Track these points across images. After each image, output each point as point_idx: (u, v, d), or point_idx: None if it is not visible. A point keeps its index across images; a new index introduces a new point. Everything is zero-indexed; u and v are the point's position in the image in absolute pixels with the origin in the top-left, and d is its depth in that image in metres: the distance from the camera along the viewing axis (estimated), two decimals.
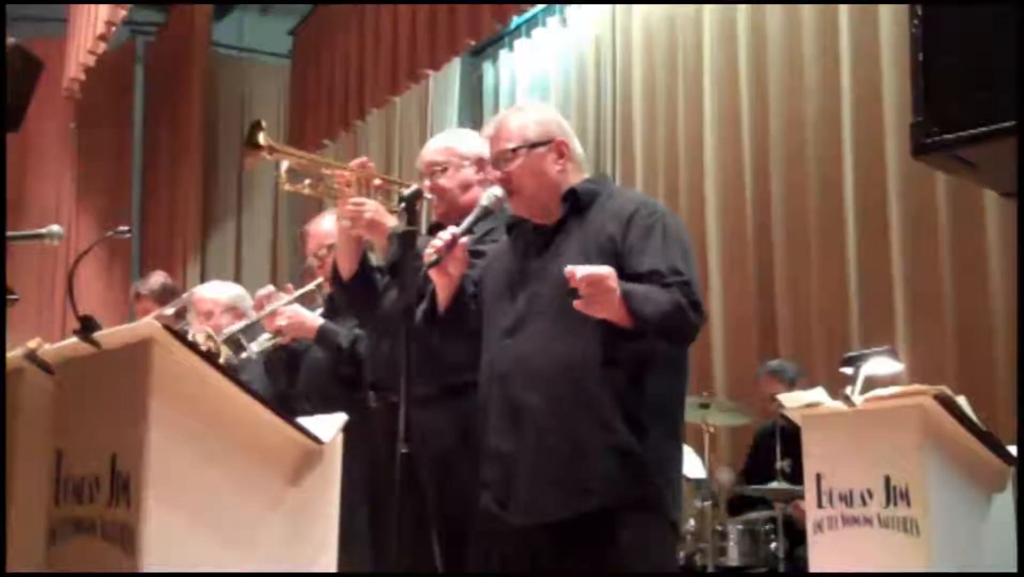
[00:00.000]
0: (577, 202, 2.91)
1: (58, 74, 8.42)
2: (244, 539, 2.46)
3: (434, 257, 2.83)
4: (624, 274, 2.67)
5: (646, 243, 2.77)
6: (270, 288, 4.26)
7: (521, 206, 2.97)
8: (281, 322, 4.06)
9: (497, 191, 2.95)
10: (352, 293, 3.44)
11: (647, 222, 2.81)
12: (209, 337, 4.11)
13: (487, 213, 2.97)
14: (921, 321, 5.49)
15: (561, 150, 2.95)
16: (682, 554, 5.13)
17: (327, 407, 2.77)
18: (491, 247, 3.12)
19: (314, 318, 4.04)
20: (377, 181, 3.39)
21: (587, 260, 2.70)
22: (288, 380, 4.16)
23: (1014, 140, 1.68)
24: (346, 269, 3.39)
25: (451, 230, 2.88)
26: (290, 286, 4.35)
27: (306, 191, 3.48)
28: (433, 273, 2.88)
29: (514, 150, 2.92)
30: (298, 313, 4.04)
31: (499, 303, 2.92)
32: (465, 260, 2.91)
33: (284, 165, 3.38)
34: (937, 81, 1.84)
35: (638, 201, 2.95)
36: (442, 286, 2.92)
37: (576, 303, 2.58)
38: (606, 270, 2.59)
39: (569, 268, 2.59)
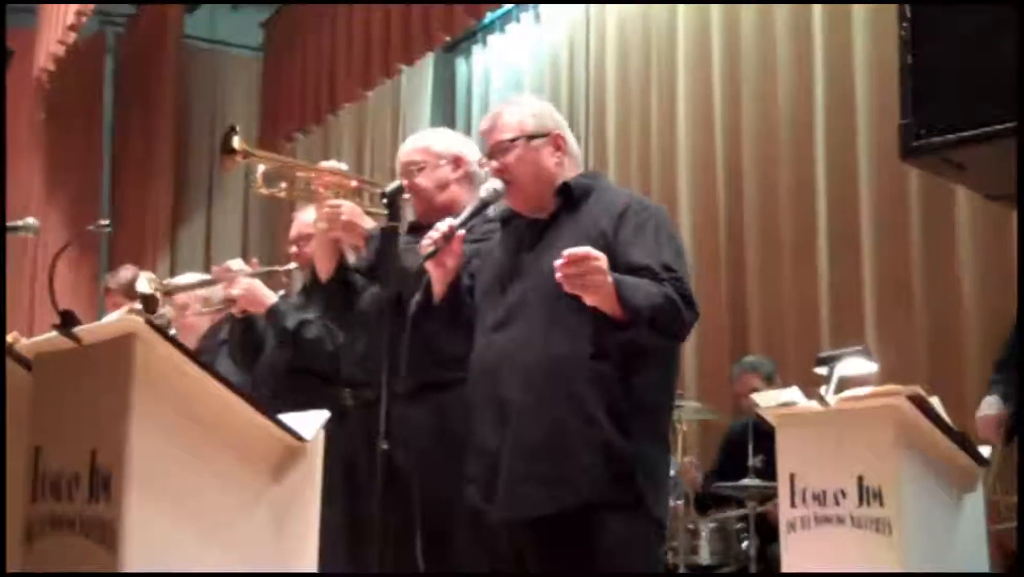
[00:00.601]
0: (570, 196, 2.91)
1: (28, 64, 8.36)
2: (225, 536, 2.45)
3: (431, 248, 2.82)
4: (614, 268, 2.66)
5: (638, 238, 2.77)
6: (239, 260, 4.27)
7: (517, 199, 2.97)
8: (235, 291, 4.06)
9: (495, 184, 2.94)
10: (330, 294, 3.43)
11: (640, 218, 2.81)
12: (152, 281, 4.15)
13: (485, 205, 2.96)
14: (892, 321, 5.53)
15: (558, 143, 2.96)
16: None
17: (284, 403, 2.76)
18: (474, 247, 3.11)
19: (269, 295, 4.05)
20: (353, 183, 3.39)
21: None
22: (243, 358, 4.14)
23: (1003, 142, 1.70)
24: (324, 270, 3.39)
25: (448, 222, 2.88)
26: (255, 261, 4.35)
27: (282, 194, 3.48)
28: (429, 265, 2.87)
29: (512, 140, 2.92)
30: (254, 286, 4.05)
31: (490, 297, 2.92)
32: (461, 252, 2.90)
33: (260, 169, 3.38)
34: (926, 83, 1.85)
35: (631, 197, 2.96)
36: (438, 278, 2.91)
37: (564, 286, 2.56)
38: (595, 252, 2.57)
39: (566, 252, 2.57)
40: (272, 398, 3.48)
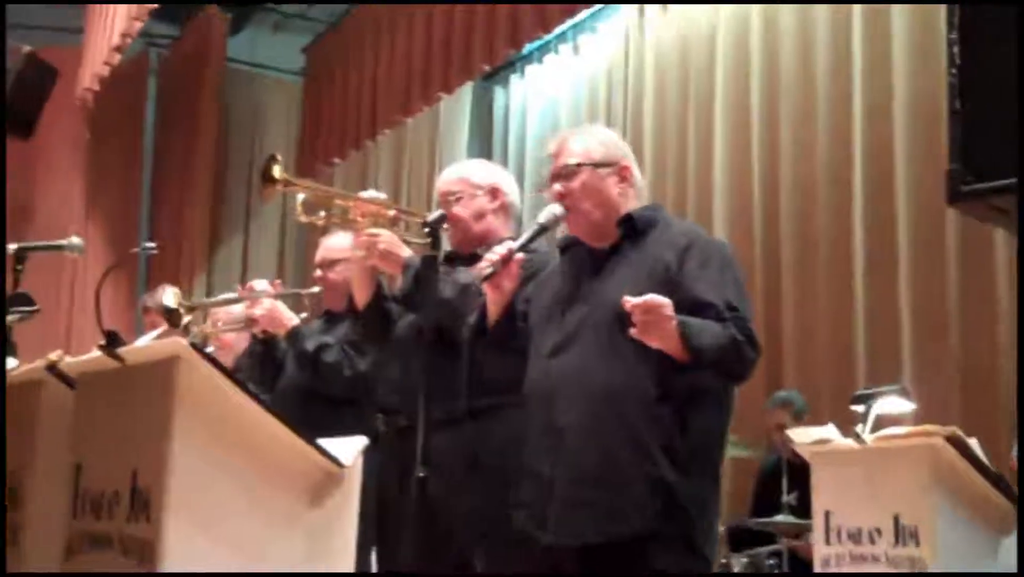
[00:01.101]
0: (633, 227, 2.90)
1: (72, 84, 8.46)
2: (262, 558, 2.47)
3: (489, 270, 2.82)
4: (677, 303, 2.65)
5: (703, 274, 2.76)
6: (263, 281, 4.33)
7: (577, 226, 2.96)
8: (257, 311, 4.10)
9: (555, 209, 2.93)
10: (367, 323, 3.45)
11: (705, 254, 2.80)
12: (176, 296, 4.21)
13: (544, 230, 2.96)
14: (927, 357, 5.50)
15: (623, 174, 2.95)
16: None
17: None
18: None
19: (290, 316, 4.11)
20: (391, 212, 3.41)
21: (640, 285, 2.67)
22: (261, 379, 4.17)
23: None
24: (361, 299, 3.41)
25: (507, 244, 2.88)
26: (279, 282, 4.40)
27: (320, 222, 3.51)
28: (486, 287, 2.88)
29: (578, 165, 2.92)
30: (276, 307, 4.11)
31: (547, 323, 2.91)
32: (518, 275, 2.90)
33: (300, 197, 3.40)
34: (973, 129, 1.86)
35: (695, 232, 2.95)
36: (493, 301, 2.92)
37: (632, 331, 2.56)
38: (662, 299, 2.57)
39: (626, 298, 2.58)
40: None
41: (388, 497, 3.30)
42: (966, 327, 5.38)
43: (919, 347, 5.55)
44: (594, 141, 2.98)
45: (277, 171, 3.30)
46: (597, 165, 2.92)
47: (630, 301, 2.56)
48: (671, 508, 2.67)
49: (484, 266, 2.85)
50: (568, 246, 3.04)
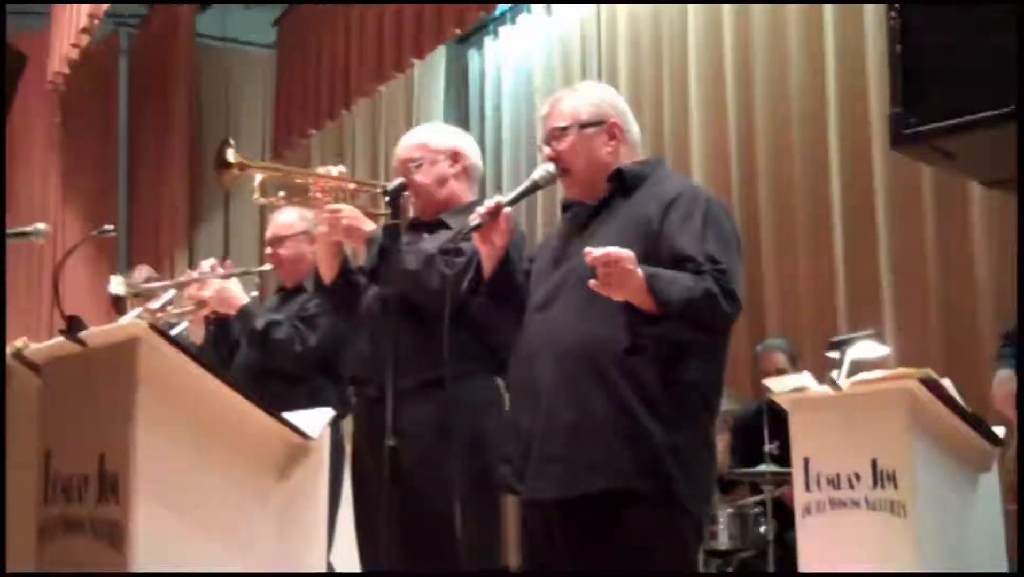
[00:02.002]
0: (623, 183, 2.88)
1: (41, 68, 8.38)
2: (233, 534, 2.47)
3: (476, 221, 2.81)
4: (659, 257, 2.63)
5: (684, 227, 2.72)
6: (213, 261, 4.30)
7: (570, 185, 2.95)
8: (206, 293, 4.11)
9: (549, 167, 2.91)
10: (335, 297, 3.43)
11: (689, 207, 2.76)
12: (123, 284, 4.25)
13: (536, 187, 2.93)
14: (907, 305, 5.51)
15: (613, 132, 2.92)
16: None
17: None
18: (470, 246, 3.08)
19: (240, 295, 4.10)
20: (351, 185, 3.37)
21: (623, 240, 2.64)
22: (217, 359, 4.17)
23: (992, 130, 1.68)
24: (327, 275, 3.39)
25: (496, 198, 2.87)
26: (229, 263, 4.38)
27: (281, 203, 3.48)
28: (478, 241, 2.86)
29: (563, 128, 2.90)
30: (226, 288, 4.11)
31: (540, 279, 2.90)
32: (509, 230, 2.87)
33: (257, 179, 3.36)
34: (915, 72, 1.84)
35: (684, 186, 2.91)
36: (486, 255, 2.89)
37: (592, 283, 2.55)
38: (624, 251, 2.54)
39: (587, 249, 2.56)
40: None
41: (362, 468, 3.30)
42: (944, 272, 5.39)
43: (899, 294, 5.56)
44: (583, 101, 2.95)
45: (231, 155, 3.25)
46: (584, 125, 2.90)
47: (591, 253, 2.54)
48: (651, 462, 2.63)
49: (473, 218, 2.83)
50: (569, 205, 3.03)
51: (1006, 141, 1.70)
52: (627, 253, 2.54)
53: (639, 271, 2.55)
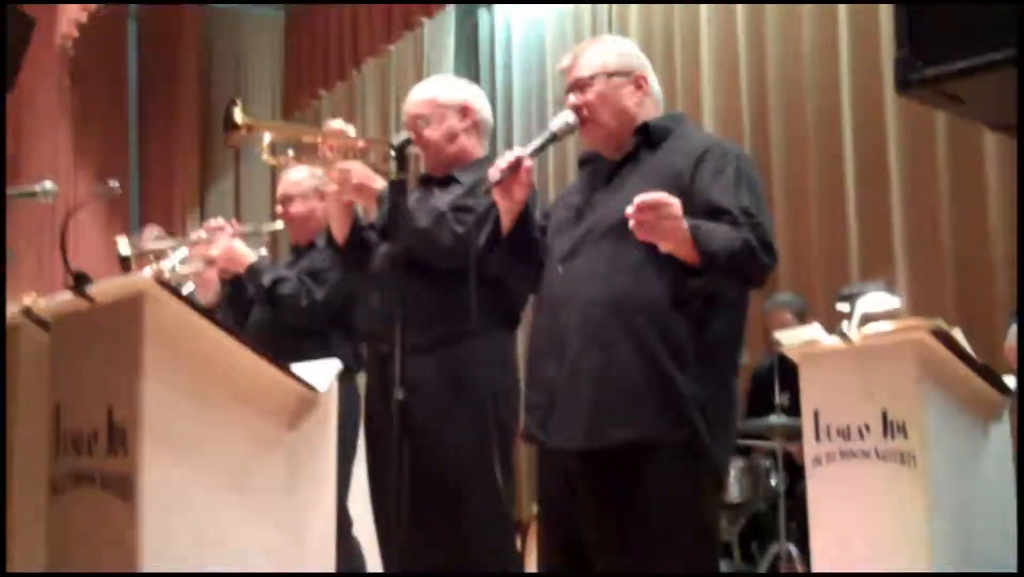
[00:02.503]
0: (649, 137, 2.83)
1: (51, 31, 8.37)
2: (242, 485, 2.49)
3: (497, 176, 2.78)
4: (691, 212, 2.57)
5: (717, 181, 2.67)
6: (221, 220, 4.32)
7: (593, 137, 2.89)
8: (214, 251, 4.14)
9: (568, 117, 2.85)
10: (347, 256, 3.42)
11: (720, 161, 2.71)
12: (129, 244, 4.29)
13: (555, 139, 2.87)
14: (920, 256, 5.48)
15: (639, 83, 2.87)
16: None
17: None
18: (484, 200, 3.05)
19: (248, 253, 4.12)
20: (360, 143, 3.35)
21: (651, 192, 2.57)
22: (233, 318, 4.19)
23: (1000, 73, 1.66)
24: (339, 233, 3.38)
25: (516, 151, 2.83)
26: (235, 221, 4.39)
27: (290, 163, 3.46)
28: (497, 195, 2.81)
29: (591, 77, 2.84)
30: (233, 247, 4.13)
31: (561, 232, 2.86)
32: (529, 184, 2.82)
33: (266, 139, 3.34)
34: (921, 14, 1.81)
35: (712, 141, 2.86)
36: (505, 209, 2.84)
37: (638, 232, 2.49)
38: (671, 198, 2.49)
39: (637, 199, 2.49)
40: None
41: (374, 423, 3.31)
42: (957, 222, 5.35)
43: (911, 245, 5.52)
44: (609, 51, 2.90)
45: (238, 115, 3.22)
46: (611, 75, 2.85)
47: (641, 201, 2.48)
48: (673, 411, 2.60)
49: (493, 172, 2.80)
50: (587, 160, 2.99)
51: (1013, 84, 1.67)
52: (672, 199, 2.49)
53: (684, 222, 2.51)
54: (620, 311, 2.64)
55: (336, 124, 3.32)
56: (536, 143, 2.86)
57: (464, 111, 3.41)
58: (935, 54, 1.81)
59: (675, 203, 2.49)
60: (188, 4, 9.40)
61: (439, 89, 3.48)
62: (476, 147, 3.43)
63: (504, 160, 2.77)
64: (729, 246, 2.54)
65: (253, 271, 4.04)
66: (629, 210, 2.48)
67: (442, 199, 3.28)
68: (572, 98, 2.86)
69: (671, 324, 2.62)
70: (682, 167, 2.71)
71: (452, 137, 3.39)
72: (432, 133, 3.37)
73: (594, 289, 2.68)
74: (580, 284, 2.71)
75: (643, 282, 2.64)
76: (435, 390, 3.06)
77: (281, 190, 4.26)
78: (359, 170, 3.24)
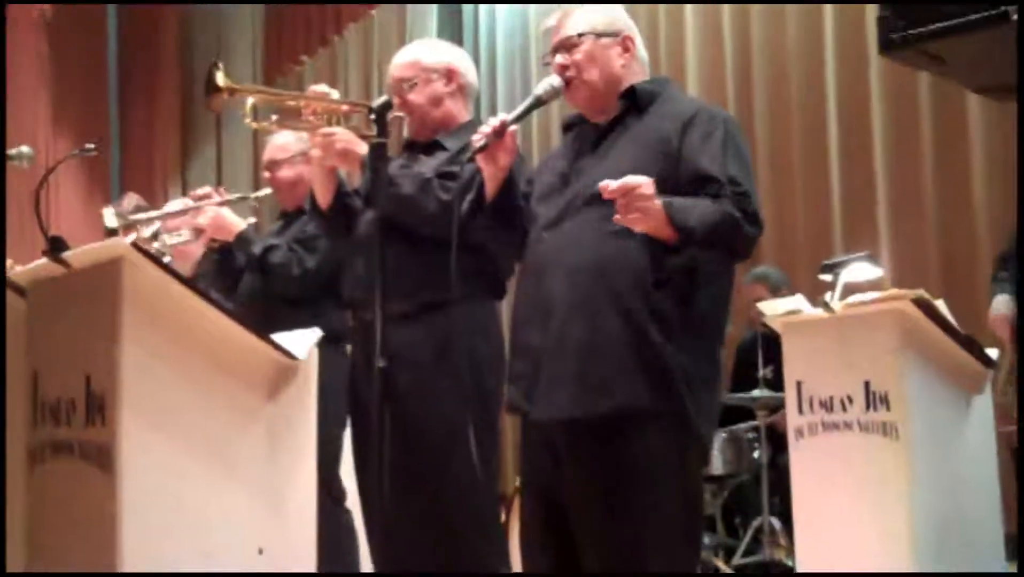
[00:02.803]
0: (636, 101, 2.80)
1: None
2: (222, 454, 2.47)
3: (482, 142, 2.74)
4: (678, 177, 2.57)
5: (704, 146, 2.65)
6: (208, 188, 4.27)
7: (579, 99, 2.85)
8: (202, 220, 4.09)
9: (553, 80, 2.80)
10: (331, 222, 3.39)
11: (708, 127, 2.68)
12: (116, 215, 4.16)
13: (540, 103, 2.81)
14: (904, 229, 5.48)
15: (627, 45, 2.83)
16: None
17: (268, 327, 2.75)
18: (470, 166, 3.02)
19: (236, 222, 4.06)
20: (344, 107, 3.31)
21: (639, 158, 2.59)
22: (221, 288, 4.11)
23: (982, 34, 1.64)
24: (323, 199, 3.34)
25: (500, 117, 2.78)
26: (222, 189, 4.34)
27: (273, 128, 3.41)
28: (481, 161, 2.76)
29: (580, 35, 2.80)
30: (221, 215, 4.07)
31: (546, 200, 2.82)
32: (514, 149, 2.78)
33: (248, 102, 3.29)
34: None
35: (699, 105, 2.83)
36: (490, 176, 2.79)
37: (615, 217, 2.49)
38: (641, 179, 2.48)
39: (603, 183, 2.49)
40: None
41: (359, 389, 3.29)
42: (941, 191, 5.35)
43: (896, 218, 5.52)
44: (597, 12, 2.86)
45: (220, 78, 3.16)
46: (600, 35, 2.81)
47: (608, 187, 2.48)
48: (659, 380, 2.58)
49: (477, 139, 2.76)
50: (571, 124, 2.96)
51: (995, 45, 1.66)
52: (644, 180, 2.47)
53: (657, 201, 2.50)
54: (606, 278, 2.62)
55: (319, 88, 3.28)
56: (521, 108, 2.81)
57: (449, 74, 3.37)
58: (918, 14, 1.80)
59: (644, 182, 2.48)
60: None
61: (423, 52, 3.42)
62: (461, 111, 3.40)
63: (488, 125, 2.74)
64: (708, 219, 2.52)
65: (243, 239, 4.00)
66: (606, 193, 2.47)
67: (427, 164, 3.25)
68: (559, 58, 2.83)
69: (656, 292, 2.60)
70: (669, 132, 2.68)
71: (437, 101, 3.35)
72: (416, 97, 3.33)
73: (579, 255, 2.66)
74: (565, 251, 2.69)
75: (629, 249, 2.61)
76: (418, 358, 3.03)
77: (267, 155, 4.22)
78: (343, 134, 3.19)
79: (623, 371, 2.58)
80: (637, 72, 2.87)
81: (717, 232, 2.53)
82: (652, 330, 2.58)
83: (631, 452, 2.59)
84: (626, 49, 2.85)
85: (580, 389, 2.60)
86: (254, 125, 3.24)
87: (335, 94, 3.30)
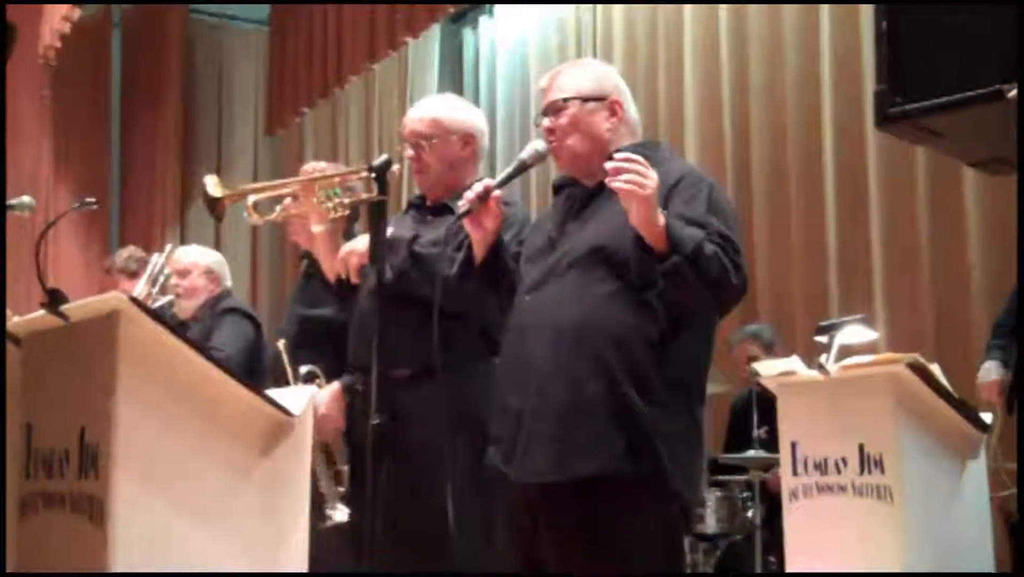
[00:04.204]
0: None
1: (33, 40, 8.33)
2: (215, 510, 2.45)
3: (466, 207, 2.76)
4: None
5: (688, 207, 2.66)
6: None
7: (566, 163, 2.87)
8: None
9: (538, 145, 2.85)
10: (341, 292, 3.39)
11: (693, 190, 2.70)
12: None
13: (525, 167, 2.86)
14: (899, 290, 5.50)
15: (614, 109, 2.85)
16: None
17: None
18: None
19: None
20: (336, 179, 3.30)
21: (623, 223, 2.58)
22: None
23: (980, 109, 1.66)
24: (332, 274, 3.35)
25: (484, 182, 2.78)
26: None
27: (278, 219, 3.40)
28: (468, 226, 2.79)
29: (565, 100, 2.83)
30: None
31: (532, 261, 2.84)
32: (500, 213, 2.80)
33: (251, 200, 3.28)
34: (902, 49, 1.82)
35: (686, 169, 2.84)
36: (477, 240, 2.82)
37: (613, 183, 2.49)
38: (650, 172, 2.51)
39: (609, 164, 2.51)
40: None
41: (359, 450, 3.27)
42: (937, 259, 5.38)
43: (891, 279, 5.55)
44: (585, 75, 2.89)
45: (215, 190, 3.17)
46: (586, 100, 2.84)
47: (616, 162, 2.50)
48: (641, 444, 2.57)
49: (461, 204, 2.78)
50: (562, 186, 2.97)
51: (992, 121, 1.68)
52: (653, 175, 2.50)
53: (660, 212, 2.51)
54: (586, 340, 2.62)
55: (311, 167, 3.30)
56: (505, 173, 2.85)
57: (467, 139, 3.35)
58: (914, 89, 1.82)
59: (653, 174, 2.51)
60: (173, 4, 9.35)
61: (446, 110, 3.40)
62: (472, 175, 3.36)
63: (472, 191, 2.75)
64: (698, 242, 2.53)
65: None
66: (609, 165, 2.49)
67: (437, 229, 3.21)
68: (546, 121, 2.86)
69: (636, 353, 2.60)
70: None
71: (452, 164, 3.33)
72: (431, 157, 3.32)
73: (561, 317, 2.66)
74: (546, 313, 2.70)
75: (610, 311, 2.62)
76: (419, 421, 2.99)
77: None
78: (358, 248, 3.17)
79: (602, 435, 2.58)
80: (625, 135, 2.88)
81: (704, 256, 2.52)
82: (631, 393, 2.58)
83: (608, 516, 2.59)
84: (613, 113, 2.86)
85: (558, 453, 2.60)
86: (259, 221, 3.25)
87: (331, 168, 3.30)
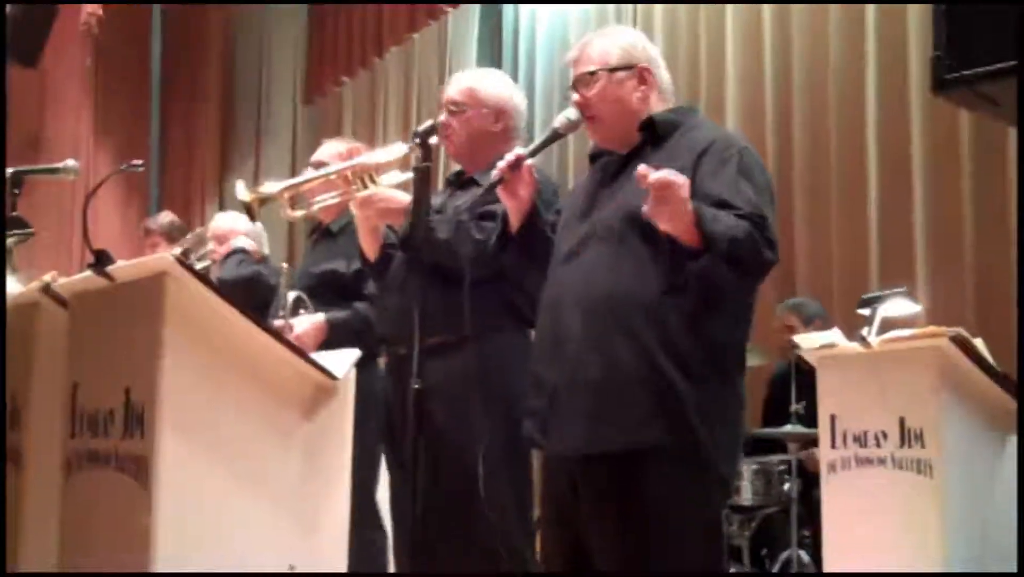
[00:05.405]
0: (654, 131, 2.79)
1: (76, 10, 8.38)
2: (257, 472, 2.48)
3: (498, 176, 2.76)
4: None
5: (718, 176, 2.62)
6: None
7: (599, 133, 2.86)
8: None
9: (570, 113, 2.82)
10: (377, 272, 3.42)
11: (723, 156, 2.66)
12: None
13: (557, 136, 2.85)
14: (941, 263, 5.44)
15: (644, 76, 2.82)
16: None
17: None
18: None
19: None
20: (372, 163, 3.33)
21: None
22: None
23: None
24: (370, 253, 3.37)
25: (517, 151, 2.79)
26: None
27: (316, 208, 3.45)
28: (502, 195, 2.80)
29: (592, 73, 2.80)
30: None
31: (566, 230, 2.83)
32: (533, 181, 2.81)
33: (285, 197, 3.32)
34: (959, 15, 1.79)
35: (717, 134, 2.80)
36: (512, 209, 2.84)
37: (644, 209, 2.47)
38: (680, 178, 2.47)
39: (641, 169, 2.47)
40: None
41: (393, 421, 3.28)
42: (980, 233, 5.31)
43: (933, 252, 5.49)
44: (612, 45, 2.85)
45: (245, 195, 3.22)
46: (614, 70, 2.80)
47: (644, 170, 2.45)
48: (672, 416, 2.55)
49: (495, 174, 2.77)
50: (598, 155, 2.94)
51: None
52: (682, 179, 2.46)
53: (690, 204, 2.46)
54: (620, 312, 2.60)
55: (343, 147, 3.31)
56: (538, 142, 2.85)
57: (499, 114, 3.35)
58: (971, 55, 1.79)
59: (685, 182, 2.46)
60: None
61: (483, 83, 3.41)
62: (502, 151, 3.34)
63: (504, 160, 2.75)
64: (731, 232, 2.49)
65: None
66: (647, 177, 2.44)
67: (461, 201, 3.24)
68: (575, 95, 2.84)
69: (671, 325, 2.58)
70: (685, 163, 2.64)
71: (477, 136, 3.33)
72: (458, 124, 3.32)
73: (593, 290, 2.65)
74: (579, 284, 2.68)
75: (643, 283, 2.59)
76: (451, 390, 3.00)
77: (315, 157, 3.99)
78: (380, 194, 3.21)
79: (636, 407, 2.56)
80: (656, 101, 2.84)
81: (739, 246, 2.50)
82: (667, 365, 2.56)
83: (646, 488, 2.57)
84: (643, 80, 2.83)
85: (593, 425, 2.59)
86: (295, 216, 3.31)
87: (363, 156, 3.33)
